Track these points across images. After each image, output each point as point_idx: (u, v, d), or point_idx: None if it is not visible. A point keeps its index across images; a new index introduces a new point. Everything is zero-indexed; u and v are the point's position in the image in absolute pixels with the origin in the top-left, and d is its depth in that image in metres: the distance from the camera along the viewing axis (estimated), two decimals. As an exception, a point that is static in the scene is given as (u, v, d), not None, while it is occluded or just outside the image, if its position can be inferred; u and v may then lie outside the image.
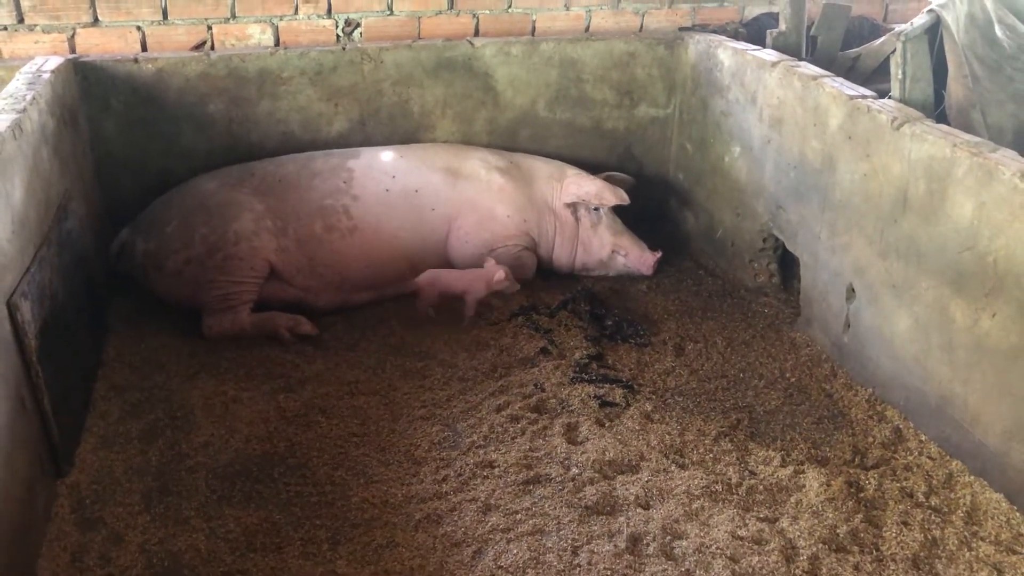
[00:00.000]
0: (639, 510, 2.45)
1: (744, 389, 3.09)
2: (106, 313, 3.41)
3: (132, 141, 3.69)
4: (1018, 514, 2.42)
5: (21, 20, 3.60)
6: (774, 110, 3.45)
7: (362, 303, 3.61)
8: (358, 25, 3.99)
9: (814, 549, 2.31)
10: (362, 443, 2.76)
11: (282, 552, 2.31)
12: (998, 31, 3.29)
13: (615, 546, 2.31)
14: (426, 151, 3.84)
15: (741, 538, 2.35)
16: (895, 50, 3.25)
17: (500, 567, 2.24)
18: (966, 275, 2.55)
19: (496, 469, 2.61)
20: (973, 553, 2.31)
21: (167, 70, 3.65)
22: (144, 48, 3.77)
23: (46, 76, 3.10)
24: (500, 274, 3.41)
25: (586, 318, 3.47)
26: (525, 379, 3.06)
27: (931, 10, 3.27)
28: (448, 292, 3.43)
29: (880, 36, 4.02)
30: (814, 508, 2.45)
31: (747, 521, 2.40)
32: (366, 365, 3.18)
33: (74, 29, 3.67)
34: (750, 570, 2.24)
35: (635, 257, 3.87)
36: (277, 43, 3.91)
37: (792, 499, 2.50)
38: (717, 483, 2.55)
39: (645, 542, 2.33)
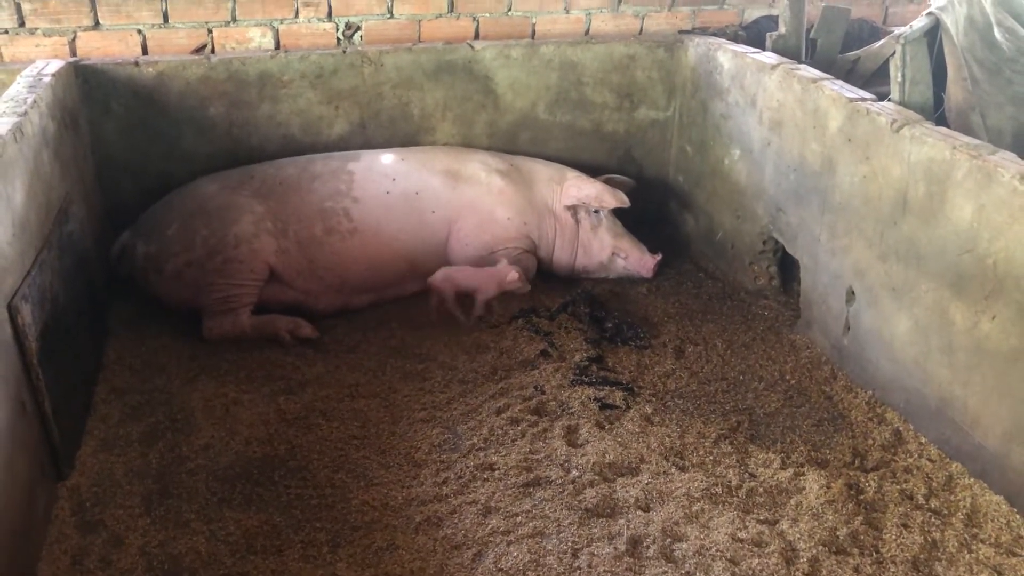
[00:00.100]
0: (639, 512, 2.45)
1: (744, 391, 3.09)
2: (107, 316, 3.41)
3: (133, 144, 3.70)
4: (1018, 516, 2.42)
5: (22, 23, 3.61)
6: (774, 113, 3.45)
7: (362, 305, 3.61)
8: (358, 28, 4.00)
9: (814, 551, 2.31)
10: (362, 446, 2.76)
11: (282, 555, 2.31)
12: (997, 34, 3.30)
13: (615, 548, 2.31)
14: (426, 154, 3.84)
15: (741, 540, 2.35)
16: (894, 53, 3.26)
17: (500, 569, 2.24)
18: (966, 277, 2.55)
19: (496, 472, 2.61)
20: (973, 555, 2.31)
21: (168, 73, 3.66)
22: (145, 51, 3.78)
23: (47, 79, 3.10)
24: (513, 274, 3.44)
25: (586, 320, 3.47)
26: (525, 381, 3.06)
27: (930, 13, 3.28)
28: (461, 290, 3.45)
29: (879, 39, 4.03)
30: (814, 510, 2.45)
31: (747, 523, 2.40)
32: (366, 368, 3.19)
33: (75, 32, 3.68)
34: (750, 572, 2.24)
35: (635, 260, 3.87)
36: (277, 46, 3.92)
37: (792, 501, 2.50)
38: (717, 485, 2.55)
39: (645, 544, 2.34)
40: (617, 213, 3.94)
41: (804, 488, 2.55)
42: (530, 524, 2.40)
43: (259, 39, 3.89)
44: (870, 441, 2.80)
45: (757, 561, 2.27)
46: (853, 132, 3.00)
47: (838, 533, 2.38)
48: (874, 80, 3.78)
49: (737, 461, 2.68)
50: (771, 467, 2.65)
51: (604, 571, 2.23)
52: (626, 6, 4.30)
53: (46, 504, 2.39)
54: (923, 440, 2.77)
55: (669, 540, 2.35)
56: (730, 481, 2.58)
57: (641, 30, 4.35)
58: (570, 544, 2.33)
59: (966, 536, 2.37)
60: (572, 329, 3.40)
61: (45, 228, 2.68)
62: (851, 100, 3.02)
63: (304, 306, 3.52)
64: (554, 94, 4.13)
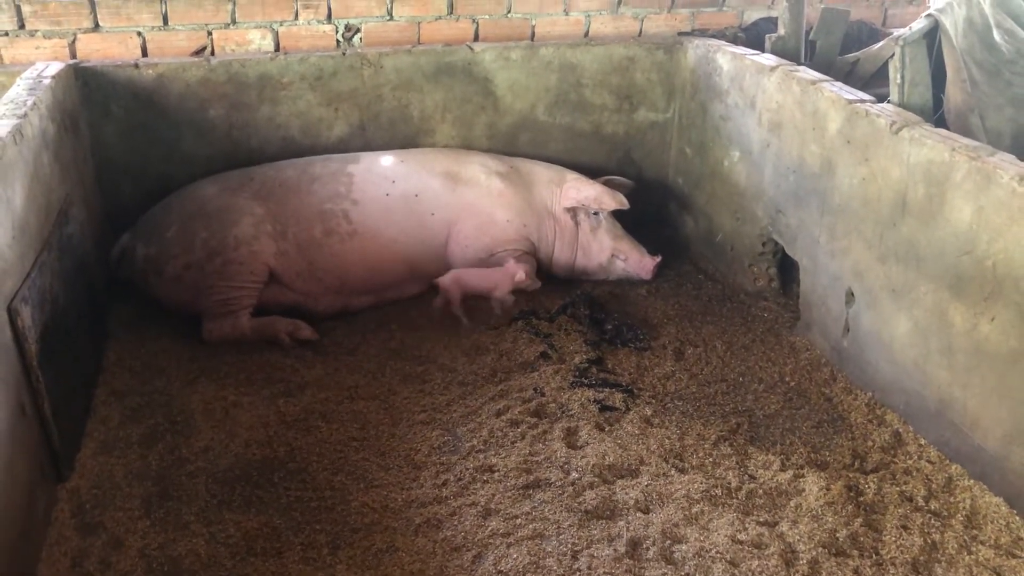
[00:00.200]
0: (639, 514, 2.45)
1: (744, 393, 3.09)
2: (106, 318, 3.41)
3: (132, 146, 3.70)
4: (1018, 518, 2.42)
5: (22, 25, 3.61)
6: (773, 114, 3.45)
7: (362, 307, 3.61)
8: (358, 30, 4.00)
9: (814, 553, 2.31)
10: (362, 448, 2.76)
11: (282, 557, 2.31)
12: (996, 35, 3.30)
13: (615, 550, 2.31)
14: (426, 156, 3.84)
15: (741, 542, 2.35)
16: (894, 54, 3.26)
17: (500, 571, 2.25)
18: (965, 279, 2.56)
19: (496, 473, 2.61)
20: (973, 557, 2.31)
21: (167, 75, 3.66)
22: (145, 53, 3.78)
23: (47, 81, 3.11)
24: (521, 274, 3.46)
25: (586, 322, 3.47)
26: (525, 383, 3.06)
27: (930, 15, 3.28)
28: (472, 292, 3.45)
29: (879, 40, 4.03)
30: (814, 512, 2.45)
31: (747, 525, 2.41)
32: (366, 370, 3.19)
33: (75, 34, 3.68)
34: (750, 574, 2.24)
35: (635, 261, 3.87)
36: (277, 48, 3.92)
37: (792, 503, 2.50)
38: (717, 487, 2.55)
39: (645, 546, 2.34)
40: (617, 215, 3.94)
41: (804, 490, 2.55)
42: (530, 526, 2.40)
43: (259, 41, 3.90)
44: (870, 443, 2.80)
45: (757, 563, 2.27)
46: (852, 134, 3.00)
47: (838, 535, 2.38)
48: (873, 82, 3.77)
49: (737, 463, 2.68)
50: (771, 469, 2.65)
51: (604, 573, 2.23)
52: (625, 8, 4.30)
53: (46, 506, 2.38)
54: (923, 442, 2.77)
55: (669, 542, 2.35)
56: (730, 483, 2.58)
57: (640, 32, 4.36)
58: (570, 546, 2.33)
59: (966, 538, 2.37)
60: (572, 331, 3.40)
61: (45, 230, 2.68)
62: (850, 102, 3.02)
63: (303, 308, 3.53)
64: (553, 96, 4.13)
